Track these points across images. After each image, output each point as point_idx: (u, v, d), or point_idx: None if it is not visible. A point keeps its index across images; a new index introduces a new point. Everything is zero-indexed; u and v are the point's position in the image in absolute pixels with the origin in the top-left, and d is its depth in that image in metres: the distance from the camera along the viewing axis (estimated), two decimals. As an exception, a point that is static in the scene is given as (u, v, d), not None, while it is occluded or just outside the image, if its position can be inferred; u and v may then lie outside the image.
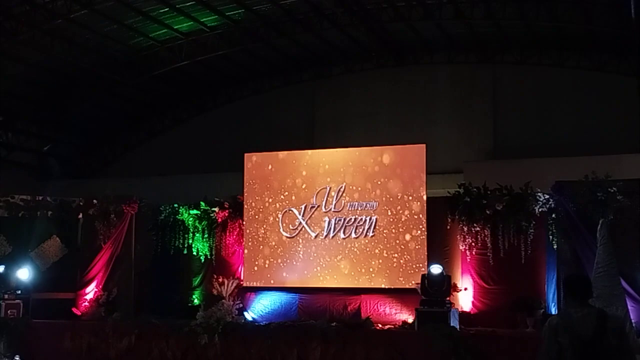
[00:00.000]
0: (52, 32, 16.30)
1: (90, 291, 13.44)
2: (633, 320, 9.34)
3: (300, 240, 13.51)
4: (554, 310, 11.50)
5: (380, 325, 11.64)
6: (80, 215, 14.11)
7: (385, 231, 12.96)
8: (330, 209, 13.34)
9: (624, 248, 10.42)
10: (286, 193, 13.72)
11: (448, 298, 11.25)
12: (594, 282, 9.20)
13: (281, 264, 13.59)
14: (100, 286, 13.44)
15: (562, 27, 16.49)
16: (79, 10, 15.47)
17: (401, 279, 12.72)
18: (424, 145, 13.21)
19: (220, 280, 13.62)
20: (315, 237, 13.36)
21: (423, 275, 11.62)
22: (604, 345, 5.15)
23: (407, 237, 12.80)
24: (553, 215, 11.68)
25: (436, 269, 11.52)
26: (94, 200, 13.89)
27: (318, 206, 13.44)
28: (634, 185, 11.07)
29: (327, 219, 13.33)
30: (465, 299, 12.29)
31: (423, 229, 12.71)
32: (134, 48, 17.99)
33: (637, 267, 10.60)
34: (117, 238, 13.63)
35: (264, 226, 13.76)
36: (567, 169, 13.13)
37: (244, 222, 13.88)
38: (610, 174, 11.05)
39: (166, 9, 16.23)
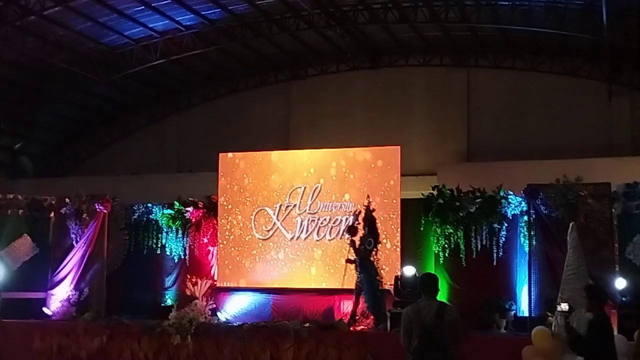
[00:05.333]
0: (25, 29, 16.11)
1: (62, 291, 13.29)
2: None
3: (275, 241, 13.51)
4: (525, 312, 11.63)
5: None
6: (52, 214, 13.97)
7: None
8: (305, 210, 13.36)
9: (594, 251, 10.57)
10: (261, 193, 13.72)
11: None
12: (564, 284, 9.33)
13: (255, 265, 13.58)
14: (72, 286, 13.31)
15: (535, 32, 16.68)
16: (53, 7, 15.31)
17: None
18: (399, 147, 13.29)
19: (194, 280, 13.58)
20: (291, 238, 13.38)
21: (396, 277, 11.69)
22: (440, 332, 6.40)
23: (381, 238, 12.84)
24: (525, 218, 11.82)
25: (409, 271, 11.61)
26: (66, 199, 13.75)
27: (293, 206, 13.45)
28: (604, 188, 11.24)
29: (299, 219, 13.35)
30: (437, 300, 12.35)
31: (397, 231, 12.77)
32: (108, 46, 17.85)
33: (606, 270, 10.75)
34: (89, 237, 13.50)
35: (238, 226, 13.75)
36: (538, 172, 13.28)
37: (218, 222, 13.85)
38: (581, 178, 11.21)
39: (141, 7, 16.12)
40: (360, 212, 11.88)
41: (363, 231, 11.68)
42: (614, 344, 6.79)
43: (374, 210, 11.88)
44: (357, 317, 11.51)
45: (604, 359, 6.60)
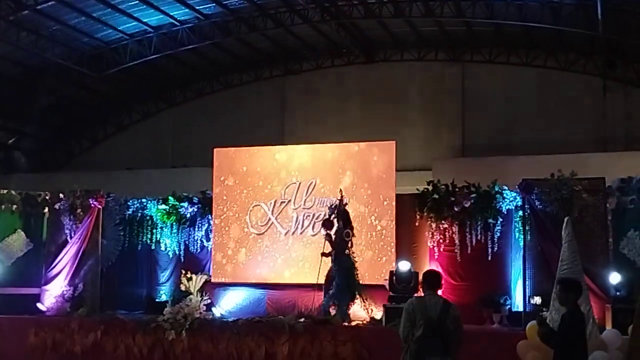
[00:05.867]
0: (18, 24, 16.06)
1: (56, 286, 13.25)
2: (596, 317, 9.48)
3: (270, 236, 13.49)
4: (520, 306, 11.65)
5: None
6: (46, 210, 13.92)
7: (354, 227, 12.96)
8: (300, 205, 13.35)
9: (588, 246, 10.59)
10: (256, 188, 13.69)
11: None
12: (558, 279, 9.32)
13: (250, 260, 13.57)
14: (66, 281, 13.26)
15: (530, 27, 16.70)
16: (47, 2, 15.26)
17: (369, 275, 12.75)
18: (394, 142, 13.28)
19: (189, 275, 13.55)
20: (286, 233, 13.36)
21: (391, 272, 11.69)
22: (444, 326, 6.72)
23: (376, 233, 12.85)
24: (519, 213, 11.83)
25: (404, 266, 11.61)
26: (61, 195, 13.70)
27: (288, 201, 13.44)
28: (598, 183, 11.25)
29: (295, 214, 13.34)
30: (432, 295, 12.37)
31: (392, 226, 12.78)
32: (102, 41, 17.80)
33: (601, 265, 10.78)
34: (83, 233, 13.41)
35: (233, 222, 13.72)
36: (533, 167, 13.30)
37: (213, 218, 13.83)
38: (575, 173, 11.22)
39: (135, 2, 16.09)
40: (337, 205, 11.91)
41: (338, 224, 11.74)
42: (585, 339, 6.76)
43: (346, 204, 11.97)
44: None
45: (573, 354, 6.56)
